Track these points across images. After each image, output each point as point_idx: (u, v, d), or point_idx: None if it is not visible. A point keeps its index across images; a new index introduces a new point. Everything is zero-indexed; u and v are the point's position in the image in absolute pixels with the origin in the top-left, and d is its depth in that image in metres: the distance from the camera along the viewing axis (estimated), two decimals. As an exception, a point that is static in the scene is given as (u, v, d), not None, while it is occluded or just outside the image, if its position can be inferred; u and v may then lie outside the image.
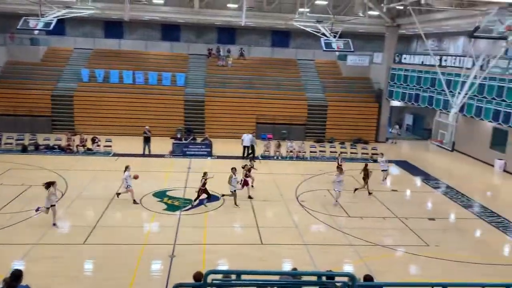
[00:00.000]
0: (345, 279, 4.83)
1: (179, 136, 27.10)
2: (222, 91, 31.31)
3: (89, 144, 24.70)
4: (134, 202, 16.67)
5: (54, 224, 14.17)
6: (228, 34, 36.62)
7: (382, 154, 21.50)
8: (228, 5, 28.67)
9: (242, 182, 17.95)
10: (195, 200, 16.79)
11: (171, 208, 16.53)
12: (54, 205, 14.22)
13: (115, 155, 24.15)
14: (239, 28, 35.38)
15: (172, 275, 11.57)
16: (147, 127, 24.58)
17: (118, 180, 19.42)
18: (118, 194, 17.02)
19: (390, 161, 24.30)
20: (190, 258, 12.52)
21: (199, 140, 26.65)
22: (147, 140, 24.18)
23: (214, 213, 16.30)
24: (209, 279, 4.34)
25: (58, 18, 25.00)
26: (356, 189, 19.23)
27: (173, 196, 17.72)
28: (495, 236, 15.49)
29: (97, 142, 24.78)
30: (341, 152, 24.90)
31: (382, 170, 20.94)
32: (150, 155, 24.09)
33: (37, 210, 14.19)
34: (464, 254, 13.74)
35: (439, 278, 11.84)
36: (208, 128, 29.84)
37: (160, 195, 17.86)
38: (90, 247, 13.05)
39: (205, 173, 16.95)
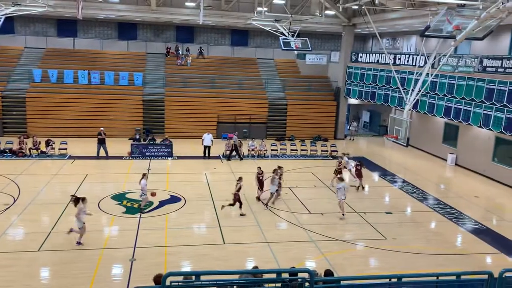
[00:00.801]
0: (305, 275, 4.89)
1: (137, 137, 26.59)
2: (182, 91, 30.97)
3: (43, 147, 23.77)
4: (141, 210, 16.04)
5: (79, 243, 13.10)
6: (186, 32, 36.25)
7: (347, 154, 21.29)
8: (186, 4, 28.37)
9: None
10: (230, 205, 16.10)
11: (131, 210, 16.18)
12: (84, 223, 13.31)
13: (71, 158, 23.37)
14: (198, 26, 35.13)
15: (132, 279, 11.34)
16: (102, 128, 23.92)
17: (74, 183, 18.90)
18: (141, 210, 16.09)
19: (348, 158, 24.88)
20: (151, 261, 12.32)
21: (158, 140, 26.26)
22: (101, 142, 23.53)
23: (175, 214, 16.10)
24: (168, 281, 4.29)
25: (7, 16, 23.89)
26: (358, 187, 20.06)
27: (132, 199, 17.34)
28: (449, 227, 16.17)
29: (51, 145, 23.87)
30: (345, 154, 22.40)
31: (349, 169, 20.80)
32: (108, 157, 23.48)
33: (69, 231, 13.18)
34: (420, 246, 14.28)
35: (396, 270, 12.19)
36: (168, 128, 29.44)
37: (119, 197, 17.45)
38: (46, 254, 12.56)
39: (240, 178, 16.43)
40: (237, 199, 16.07)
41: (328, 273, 9.01)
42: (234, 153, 24.79)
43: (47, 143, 23.85)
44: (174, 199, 17.54)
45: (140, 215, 15.68)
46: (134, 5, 28.99)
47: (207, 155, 24.57)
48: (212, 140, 24.66)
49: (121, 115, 28.99)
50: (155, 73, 32.56)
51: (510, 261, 13.45)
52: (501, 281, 5.59)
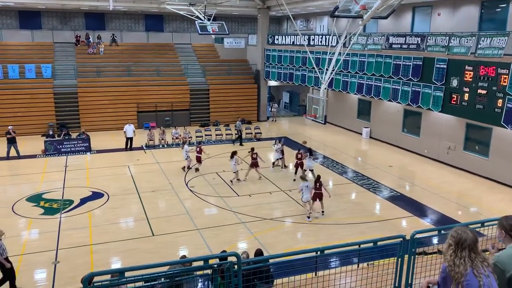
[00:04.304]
0: (233, 258, 4.97)
1: (51, 132, 24.96)
2: (96, 81, 29.46)
3: None
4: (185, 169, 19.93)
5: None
6: (97, 19, 34.32)
7: (279, 141, 20.90)
8: (94, -11, 26.81)
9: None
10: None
11: (50, 211, 15.27)
12: None
13: (-25, 160, 21.41)
14: (109, 13, 33.43)
15: (57, 283, 10.79)
16: (10, 126, 22.13)
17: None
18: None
19: (272, 138, 25.47)
20: (76, 261, 11.78)
21: (74, 135, 24.89)
22: (11, 141, 21.77)
23: (99, 211, 15.47)
24: (93, 281, 4.13)
25: None
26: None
27: (50, 199, 16.36)
28: (367, 196, 17.26)
29: (-49, 148, 21.66)
30: (304, 142, 22.36)
31: (277, 159, 20.69)
32: (20, 157, 21.82)
33: None
34: (342, 217, 15.11)
35: (323, 242, 12.84)
36: (84, 121, 27.93)
37: (35, 199, 16.36)
38: (-46, 268, 11.47)
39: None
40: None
41: (258, 252, 9.26)
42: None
43: None
44: (96, 195, 16.82)
45: (61, 215, 14.86)
46: (35, -9, 26.79)
47: (129, 146, 23.77)
48: (134, 131, 23.91)
49: (31, 111, 26.94)
50: (65, 63, 30.56)
51: (422, 223, 14.71)
52: (413, 242, 6.08)
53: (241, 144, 24.97)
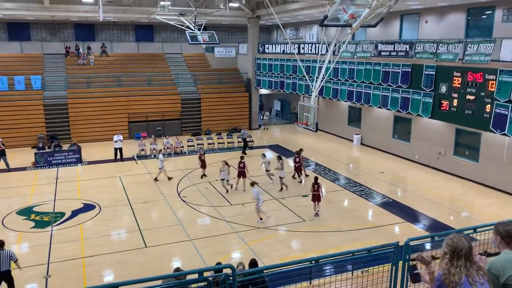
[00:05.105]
0: (228, 270, 4.94)
1: (41, 144, 24.74)
2: (87, 92, 29.31)
3: None
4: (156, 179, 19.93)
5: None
6: (86, 30, 34.28)
7: (264, 155, 20.87)
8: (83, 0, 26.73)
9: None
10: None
11: (40, 224, 15.09)
12: None
13: (-36, 174, 21.12)
14: (99, 23, 33.41)
15: (49, 298, 10.63)
16: (-1, 139, 21.96)
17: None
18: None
19: (264, 146, 25.49)
20: (68, 274, 11.65)
21: (65, 146, 24.70)
22: (1, 154, 21.54)
23: (91, 223, 15.33)
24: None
25: None
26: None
27: (41, 212, 16.18)
28: (360, 203, 17.31)
29: None
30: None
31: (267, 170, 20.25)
32: (9, 170, 21.58)
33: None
34: (336, 224, 15.13)
35: (317, 249, 12.85)
36: (75, 132, 27.74)
37: (26, 212, 16.18)
38: None
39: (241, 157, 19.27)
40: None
41: (253, 262, 9.22)
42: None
43: None
44: (87, 207, 16.66)
45: (52, 228, 14.69)
46: (24, 3, 26.58)
47: (119, 157, 23.64)
48: (121, 141, 23.83)
49: (20, 123, 26.70)
50: (55, 75, 30.39)
51: (414, 228, 14.77)
52: (407, 249, 6.11)
53: (243, 152, 24.70)
